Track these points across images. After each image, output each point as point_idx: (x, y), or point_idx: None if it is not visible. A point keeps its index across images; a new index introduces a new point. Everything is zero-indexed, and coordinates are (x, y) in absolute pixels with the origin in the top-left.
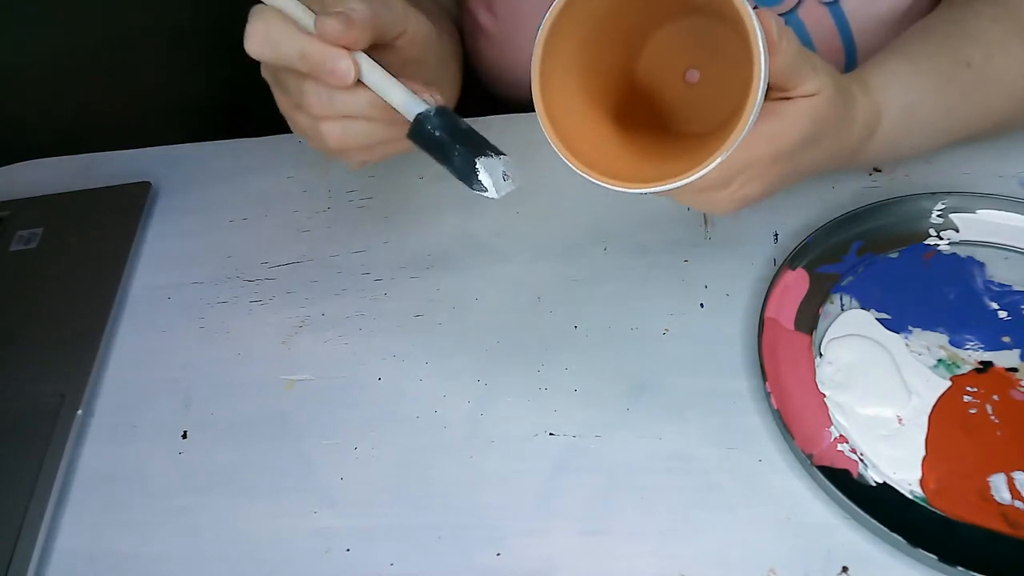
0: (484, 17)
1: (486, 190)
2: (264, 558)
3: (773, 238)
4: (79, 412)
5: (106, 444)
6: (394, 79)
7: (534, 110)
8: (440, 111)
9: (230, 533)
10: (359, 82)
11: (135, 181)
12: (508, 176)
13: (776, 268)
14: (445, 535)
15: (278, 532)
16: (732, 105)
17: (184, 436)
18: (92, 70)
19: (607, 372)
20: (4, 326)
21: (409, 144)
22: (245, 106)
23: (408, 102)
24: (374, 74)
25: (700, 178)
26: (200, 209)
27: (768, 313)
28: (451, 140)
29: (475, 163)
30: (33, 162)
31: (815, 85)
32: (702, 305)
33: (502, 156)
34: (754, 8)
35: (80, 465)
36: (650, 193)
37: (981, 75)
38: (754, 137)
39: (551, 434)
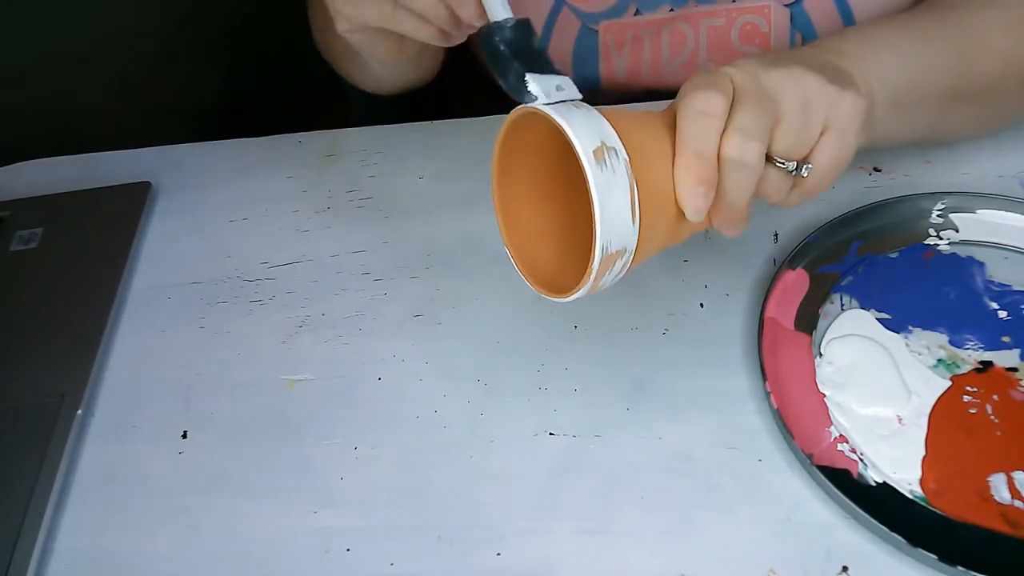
0: None
1: (536, 98)
2: (264, 558)
3: (773, 238)
4: (79, 412)
5: (106, 444)
6: None
7: None
8: (518, 24)
9: (230, 533)
10: None
11: (135, 181)
12: (562, 89)
13: (776, 268)
14: (445, 535)
15: (278, 532)
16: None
17: (184, 436)
18: (92, 70)
19: (607, 372)
20: (4, 326)
21: (422, 39)
22: (245, 106)
23: (496, 6)
24: None
25: (752, 118)
26: (200, 209)
27: (768, 313)
28: (511, 58)
29: (524, 78)
30: (33, 162)
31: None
32: (702, 305)
33: (559, 75)
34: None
35: (80, 465)
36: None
37: (953, 21)
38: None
39: (551, 434)
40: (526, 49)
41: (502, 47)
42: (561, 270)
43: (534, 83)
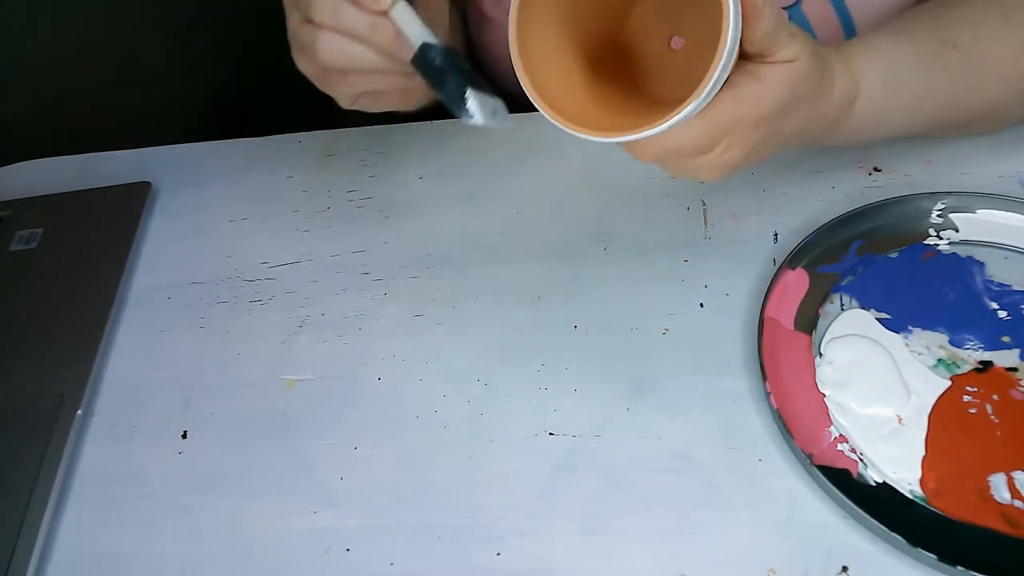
0: (490, 7)
1: (471, 117)
2: (264, 558)
3: (773, 238)
4: (79, 412)
5: (106, 444)
6: (415, 15)
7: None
8: (447, 49)
9: (230, 533)
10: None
11: (135, 181)
12: (497, 113)
13: (776, 268)
14: (445, 535)
15: (278, 532)
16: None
17: (184, 436)
18: (92, 70)
19: (607, 372)
20: (4, 326)
21: (408, 87)
22: (245, 106)
23: (421, 34)
24: (400, 6)
25: (683, 138)
26: (200, 209)
27: (768, 313)
28: (449, 68)
29: (465, 90)
30: (33, 162)
31: (793, 51)
32: (702, 305)
33: (496, 99)
34: None
35: (80, 465)
36: (621, 142)
37: (968, 56)
38: (737, 99)
39: (551, 434)
40: (460, 66)
41: (437, 61)
42: (591, 118)
43: (472, 99)
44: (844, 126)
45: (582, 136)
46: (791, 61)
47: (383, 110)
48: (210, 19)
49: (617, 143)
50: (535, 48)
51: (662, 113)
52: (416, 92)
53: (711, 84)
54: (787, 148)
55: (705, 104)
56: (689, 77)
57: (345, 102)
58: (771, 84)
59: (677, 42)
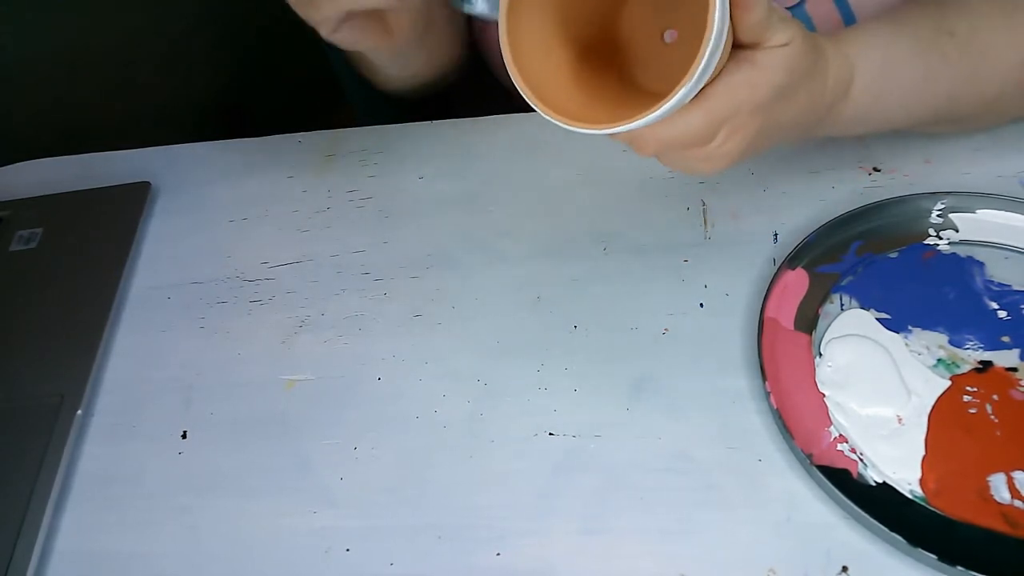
0: None
1: (473, 6)
2: (264, 558)
3: (773, 238)
4: (79, 412)
5: (106, 444)
6: None
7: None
8: None
9: (230, 533)
10: None
11: (135, 181)
12: (491, 1)
13: (776, 268)
14: (445, 535)
15: (278, 532)
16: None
17: (184, 436)
18: (92, 70)
19: (607, 372)
20: (4, 326)
21: (397, 8)
22: (245, 106)
23: None
24: None
25: (684, 128)
26: (200, 209)
27: (768, 313)
28: None
29: None
30: (33, 162)
31: (786, 35)
32: (702, 305)
33: None
34: None
35: (80, 465)
36: (614, 133)
37: (966, 46)
38: (734, 86)
39: (551, 434)
40: None
41: None
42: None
43: None
44: (842, 113)
45: (575, 130)
46: (785, 45)
47: (365, 48)
48: (210, 19)
49: (611, 134)
50: (526, 43)
51: (653, 104)
52: (402, 22)
53: (701, 67)
54: (787, 139)
55: (696, 90)
56: (682, 70)
57: (327, 28)
58: (767, 69)
59: (671, 35)
